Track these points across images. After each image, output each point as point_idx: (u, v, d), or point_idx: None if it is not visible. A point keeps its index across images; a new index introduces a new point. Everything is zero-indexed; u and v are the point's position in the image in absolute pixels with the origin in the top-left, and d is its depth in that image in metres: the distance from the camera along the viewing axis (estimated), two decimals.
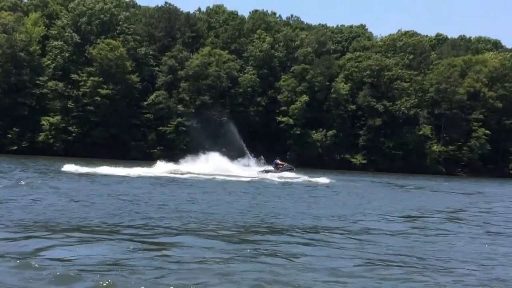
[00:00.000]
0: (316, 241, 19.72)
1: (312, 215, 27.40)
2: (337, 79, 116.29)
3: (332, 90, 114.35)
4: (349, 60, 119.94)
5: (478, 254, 19.11)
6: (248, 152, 75.73)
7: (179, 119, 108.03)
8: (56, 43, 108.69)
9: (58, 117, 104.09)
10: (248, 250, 17.14)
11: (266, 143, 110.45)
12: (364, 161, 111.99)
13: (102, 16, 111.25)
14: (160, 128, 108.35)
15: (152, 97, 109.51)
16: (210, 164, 63.36)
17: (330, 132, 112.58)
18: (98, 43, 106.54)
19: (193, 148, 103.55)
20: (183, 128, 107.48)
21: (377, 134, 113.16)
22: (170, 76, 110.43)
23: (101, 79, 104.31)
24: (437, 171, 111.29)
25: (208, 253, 16.37)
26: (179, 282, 13.03)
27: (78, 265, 14.33)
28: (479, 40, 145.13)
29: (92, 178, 44.01)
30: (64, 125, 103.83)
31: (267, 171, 63.74)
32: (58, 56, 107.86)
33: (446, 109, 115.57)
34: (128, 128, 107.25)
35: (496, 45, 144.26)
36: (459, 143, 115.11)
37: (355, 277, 14.56)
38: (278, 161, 67.93)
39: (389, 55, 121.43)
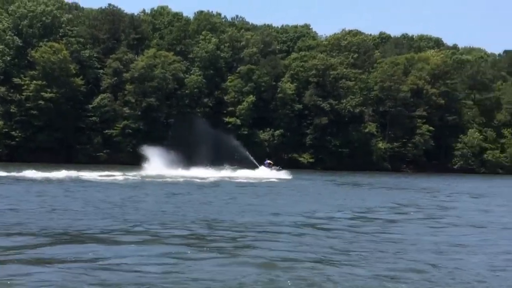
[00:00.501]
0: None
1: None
2: (283, 79, 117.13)
3: (278, 90, 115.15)
4: (295, 60, 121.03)
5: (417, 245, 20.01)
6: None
7: (125, 122, 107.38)
8: None
9: (0, 122, 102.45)
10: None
11: (213, 144, 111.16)
12: (311, 160, 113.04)
13: (44, 18, 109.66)
14: (106, 131, 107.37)
15: (97, 100, 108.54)
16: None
17: (277, 132, 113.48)
18: (41, 46, 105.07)
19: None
20: (130, 130, 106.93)
21: (324, 133, 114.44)
22: (115, 78, 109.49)
23: (44, 82, 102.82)
24: (383, 168, 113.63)
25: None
26: None
27: None
28: (421, 38, 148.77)
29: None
30: (7, 130, 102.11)
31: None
32: (0, 60, 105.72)
33: (391, 106, 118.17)
34: (73, 131, 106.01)
35: (437, 43, 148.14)
36: (404, 140, 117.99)
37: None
38: (270, 162, 77.42)
39: (334, 54, 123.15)
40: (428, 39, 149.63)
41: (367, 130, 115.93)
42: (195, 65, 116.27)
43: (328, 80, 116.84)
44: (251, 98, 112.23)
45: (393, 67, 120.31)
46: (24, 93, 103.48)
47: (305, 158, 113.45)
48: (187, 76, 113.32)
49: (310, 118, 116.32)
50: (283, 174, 71.95)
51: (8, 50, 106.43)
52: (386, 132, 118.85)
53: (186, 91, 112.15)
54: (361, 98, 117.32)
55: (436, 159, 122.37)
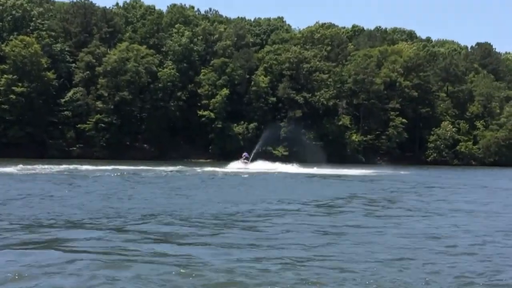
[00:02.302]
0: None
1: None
2: (256, 72, 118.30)
3: (252, 83, 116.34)
4: (268, 53, 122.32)
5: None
6: None
7: (98, 116, 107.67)
8: None
9: None
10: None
11: (187, 137, 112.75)
12: (286, 153, 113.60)
13: (14, 12, 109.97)
14: (79, 125, 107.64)
15: (69, 94, 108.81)
16: None
17: (252, 125, 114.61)
18: (11, 40, 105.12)
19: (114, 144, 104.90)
20: (103, 125, 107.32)
21: (298, 126, 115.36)
22: (88, 72, 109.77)
23: (15, 76, 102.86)
24: (357, 161, 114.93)
25: None
26: None
27: None
28: (394, 31, 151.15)
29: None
30: None
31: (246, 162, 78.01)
32: None
33: (364, 99, 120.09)
34: (46, 126, 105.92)
35: (411, 36, 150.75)
36: (378, 132, 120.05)
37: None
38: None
39: (307, 47, 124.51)
40: (402, 31, 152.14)
41: (341, 122, 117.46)
42: (169, 59, 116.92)
43: (302, 73, 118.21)
44: (225, 91, 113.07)
45: (366, 59, 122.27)
46: None
47: (279, 151, 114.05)
48: (160, 69, 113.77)
49: (284, 111, 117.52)
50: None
51: None
52: (360, 124, 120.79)
53: (160, 85, 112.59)
54: (335, 91, 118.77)
55: (410, 151, 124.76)
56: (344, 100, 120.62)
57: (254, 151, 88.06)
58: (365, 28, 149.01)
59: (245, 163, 78.71)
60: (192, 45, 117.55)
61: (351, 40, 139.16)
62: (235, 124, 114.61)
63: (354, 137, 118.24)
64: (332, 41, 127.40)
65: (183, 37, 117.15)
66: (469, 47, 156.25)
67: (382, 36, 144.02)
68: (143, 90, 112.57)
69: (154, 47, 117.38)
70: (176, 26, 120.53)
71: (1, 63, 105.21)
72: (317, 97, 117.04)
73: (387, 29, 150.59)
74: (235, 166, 74.82)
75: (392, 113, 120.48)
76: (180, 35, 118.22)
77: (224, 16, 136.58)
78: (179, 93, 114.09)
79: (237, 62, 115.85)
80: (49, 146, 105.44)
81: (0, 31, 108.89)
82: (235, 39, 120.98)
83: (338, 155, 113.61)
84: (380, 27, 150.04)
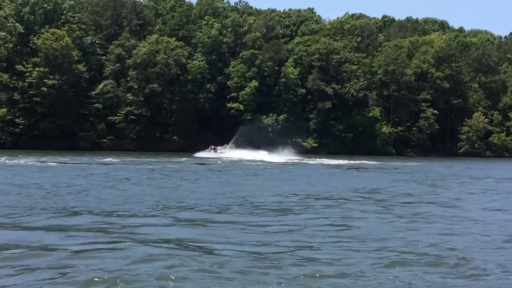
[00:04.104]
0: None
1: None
2: (286, 63, 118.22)
3: (281, 75, 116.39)
4: (298, 44, 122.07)
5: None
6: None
7: (128, 108, 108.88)
8: None
9: (4, 109, 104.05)
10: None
11: (216, 129, 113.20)
12: (315, 145, 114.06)
13: (45, 5, 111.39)
14: (110, 117, 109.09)
15: (100, 86, 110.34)
16: None
17: (281, 117, 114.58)
18: (43, 33, 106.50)
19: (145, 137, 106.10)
20: (133, 117, 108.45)
21: (327, 117, 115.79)
22: (118, 65, 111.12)
23: (47, 69, 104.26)
24: (387, 152, 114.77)
25: None
26: None
27: None
28: (426, 21, 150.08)
29: None
30: (10, 117, 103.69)
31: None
32: (2, 47, 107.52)
33: (395, 90, 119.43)
34: (76, 118, 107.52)
35: (442, 26, 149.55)
36: (408, 124, 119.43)
37: None
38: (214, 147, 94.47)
39: (337, 38, 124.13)
40: (433, 22, 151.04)
41: (371, 114, 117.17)
42: (198, 51, 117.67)
43: (331, 64, 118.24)
44: (254, 83, 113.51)
45: (397, 50, 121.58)
46: (27, 80, 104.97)
47: (309, 142, 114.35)
48: (189, 61, 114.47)
49: (314, 103, 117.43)
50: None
51: (10, 37, 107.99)
52: (390, 116, 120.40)
53: (189, 77, 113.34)
54: (365, 82, 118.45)
55: (442, 143, 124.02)
56: (374, 91, 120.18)
57: (230, 143, 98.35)
58: (396, 18, 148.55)
59: (215, 151, 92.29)
60: (221, 37, 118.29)
61: (382, 31, 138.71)
62: (264, 116, 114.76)
63: (384, 128, 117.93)
64: (362, 32, 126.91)
65: (212, 29, 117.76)
66: (502, 37, 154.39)
67: (413, 27, 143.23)
68: (172, 82, 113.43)
69: (184, 39, 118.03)
70: (206, 18, 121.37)
71: (33, 56, 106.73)
72: (347, 88, 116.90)
73: (418, 20, 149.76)
74: (204, 155, 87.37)
75: (423, 104, 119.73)
76: (209, 27, 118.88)
77: (253, 8, 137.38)
78: (208, 85, 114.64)
79: (266, 53, 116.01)
80: (80, 138, 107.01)
81: (31, 24, 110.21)
82: (265, 30, 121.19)
83: (367, 147, 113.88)
84: (411, 17, 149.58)
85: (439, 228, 20.70)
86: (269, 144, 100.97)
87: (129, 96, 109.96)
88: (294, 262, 14.55)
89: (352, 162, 77.35)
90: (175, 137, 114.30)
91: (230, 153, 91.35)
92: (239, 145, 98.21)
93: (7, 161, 58.59)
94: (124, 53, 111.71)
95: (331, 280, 13.03)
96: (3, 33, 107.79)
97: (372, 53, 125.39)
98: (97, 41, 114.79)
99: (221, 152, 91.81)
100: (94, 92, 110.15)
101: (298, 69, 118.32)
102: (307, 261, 14.78)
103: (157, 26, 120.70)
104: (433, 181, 46.45)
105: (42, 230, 18.59)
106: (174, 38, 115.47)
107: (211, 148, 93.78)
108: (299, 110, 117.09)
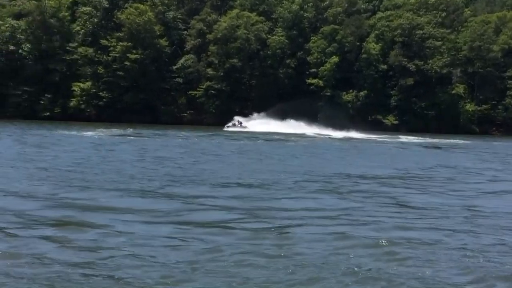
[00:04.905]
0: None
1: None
2: (367, 39, 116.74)
3: (362, 51, 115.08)
4: (380, 20, 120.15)
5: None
6: None
7: (208, 83, 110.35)
8: (85, 8, 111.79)
9: (89, 83, 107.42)
10: None
11: (296, 106, 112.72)
12: (396, 122, 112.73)
13: None
14: (190, 92, 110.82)
15: (181, 61, 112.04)
16: None
17: (361, 93, 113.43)
18: (127, 8, 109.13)
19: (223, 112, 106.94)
20: (213, 91, 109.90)
21: (409, 94, 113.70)
22: (199, 39, 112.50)
23: (130, 44, 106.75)
24: (471, 131, 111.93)
25: None
26: None
27: None
28: None
29: None
30: (95, 90, 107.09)
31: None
32: (87, 22, 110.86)
33: (480, 67, 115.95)
34: (158, 92, 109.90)
35: None
36: (494, 102, 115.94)
37: None
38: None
39: (421, 13, 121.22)
40: None
41: (454, 91, 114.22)
42: (278, 26, 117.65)
43: (414, 40, 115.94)
44: (335, 59, 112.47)
45: (483, 26, 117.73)
46: (111, 55, 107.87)
47: (389, 120, 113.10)
48: (269, 36, 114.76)
49: (395, 79, 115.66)
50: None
51: (95, 12, 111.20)
52: (475, 94, 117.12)
53: (269, 52, 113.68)
54: (449, 58, 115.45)
55: None
56: (458, 68, 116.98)
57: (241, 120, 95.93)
58: None
59: (240, 125, 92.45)
60: (302, 11, 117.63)
61: (468, 6, 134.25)
62: (344, 92, 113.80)
63: (468, 106, 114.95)
64: (447, 7, 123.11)
65: (293, 4, 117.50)
66: None
67: (502, 1, 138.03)
68: (252, 58, 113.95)
69: (264, 14, 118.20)
70: None
71: (117, 31, 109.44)
72: (430, 65, 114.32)
73: None
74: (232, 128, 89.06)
75: (509, 82, 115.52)
76: (290, 1, 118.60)
77: None
78: (288, 61, 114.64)
79: (347, 29, 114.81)
80: (161, 112, 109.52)
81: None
82: (346, 5, 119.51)
83: (450, 125, 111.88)
84: None
85: None
86: (349, 121, 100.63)
87: (209, 71, 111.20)
88: None
89: (435, 140, 75.83)
90: (254, 112, 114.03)
91: (257, 126, 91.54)
92: (279, 117, 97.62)
93: (113, 134, 61.52)
94: (205, 28, 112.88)
95: None
96: (88, 8, 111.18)
97: (457, 29, 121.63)
98: (178, 16, 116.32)
99: (245, 127, 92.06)
100: (175, 67, 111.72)
101: (380, 44, 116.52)
102: None
103: (238, 1, 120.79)
104: None
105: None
106: (254, 13, 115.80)
107: (238, 122, 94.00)
108: (380, 86, 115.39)
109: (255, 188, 23.09)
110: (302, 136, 75.77)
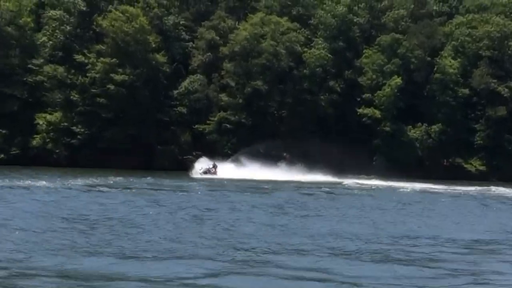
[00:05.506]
0: None
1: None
2: (442, 52, 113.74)
3: (435, 69, 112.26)
4: (459, 26, 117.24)
5: None
6: None
7: (222, 114, 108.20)
8: (54, 12, 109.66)
9: (58, 114, 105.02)
10: None
11: (342, 144, 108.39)
12: (482, 167, 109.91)
13: None
14: (197, 126, 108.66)
15: (185, 83, 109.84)
16: None
17: (434, 127, 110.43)
18: (110, 11, 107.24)
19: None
20: (228, 125, 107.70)
21: (500, 129, 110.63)
22: (209, 54, 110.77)
23: (115, 60, 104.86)
24: None
25: None
26: None
27: None
28: None
29: None
30: (66, 124, 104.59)
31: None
32: (57, 31, 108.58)
33: None
34: (153, 126, 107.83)
35: None
36: None
37: None
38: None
39: None
40: None
41: None
42: (318, 35, 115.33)
43: (507, 55, 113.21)
44: (396, 80, 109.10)
45: None
46: (89, 75, 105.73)
47: (473, 164, 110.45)
48: (306, 49, 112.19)
49: (481, 109, 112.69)
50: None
51: (68, 17, 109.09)
52: None
53: (305, 71, 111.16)
54: None
55: None
56: None
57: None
58: None
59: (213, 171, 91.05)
60: (351, 15, 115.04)
61: None
62: (410, 127, 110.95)
63: None
64: None
65: (339, 5, 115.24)
66: None
67: None
68: (283, 79, 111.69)
69: (299, 18, 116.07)
70: None
71: (97, 43, 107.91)
72: None
73: None
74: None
75: None
76: (334, 2, 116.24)
77: None
78: (332, 83, 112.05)
79: (414, 39, 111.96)
80: (157, 153, 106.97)
81: (96, 0, 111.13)
82: (412, 6, 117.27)
83: None
84: None
85: None
86: (417, 164, 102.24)
87: (224, 97, 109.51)
88: None
89: None
90: (284, 153, 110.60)
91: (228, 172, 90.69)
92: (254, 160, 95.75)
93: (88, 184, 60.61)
94: (217, 38, 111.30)
95: None
96: (58, 12, 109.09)
97: None
98: (181, 22, 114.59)
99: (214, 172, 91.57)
100: (177, 91, 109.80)
101: (459, 60, 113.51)
102: None
103: (263, 2, 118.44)
104: None
105: None
106: (285, 18, 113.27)
107: (212, 167, 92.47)
108: (460, 118, 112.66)
109: None
110: (340, 186, 75.95)
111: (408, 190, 72.31)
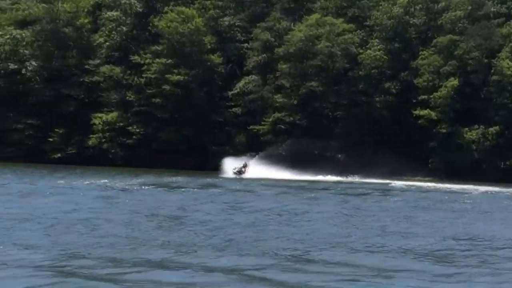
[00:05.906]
0: None
1: None
2: (500, 54, 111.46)
3: (493, 70, 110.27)
4: None
5: None
6: None
7: (277, 114, 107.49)
8: (111, 14, 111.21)
9: (114, 114, 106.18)
10: None
11: (398, 146, 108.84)
12: None
13: None
14: (252, 126, 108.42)
15: (240, 84, 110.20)
16: None
17: (492, 130, 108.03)
18: (166, 13, 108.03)
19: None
20: (283, 126, 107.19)
21: None
22: (264, 55, 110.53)
23: (170, 61, 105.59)
24: None
25: None
26: None
27: None
28: None
29: None
30: (122, 124, 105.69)
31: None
32: (114, 32, 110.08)
33: None
34: (208, 127, 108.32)
35: None
36: None
37: None
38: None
39: None
40: None
41: None
42: (374, 36, 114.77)
43: None
44: (453, 81, 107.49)
45: None
46: (145, 75, 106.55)
47: None
48: (362, 51, 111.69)
49: None
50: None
51: (125, 18, 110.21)
52: None
53: (361, 73, 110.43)
54: None
55: None
56: None
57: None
58: None
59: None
60: (407, 17, 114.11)
61: None
62: (467, 129, 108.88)
63: None
64: None
65: (395, 6, 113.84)
66: None
67: None
68: (338, 80, 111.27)
69: (355, 20, 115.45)
70: None
71: (153, 44, 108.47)
72: None
73: None
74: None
75: None
76: (390, 3, 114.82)
77: None
78: (387, 84, 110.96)
79: (471, 40, 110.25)
80: (212, 154, 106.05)
81: (153, 1, 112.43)
82: (470, 7, 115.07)
83: None
84: None
85: None
86: (474, 167, 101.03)
87: (279, 98, 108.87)
88: None
89: None
90: (339, 155, 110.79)
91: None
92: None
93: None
94: (272, 39, 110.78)
95: None
96: (115, 13, 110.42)
97: None
98: (237, 23, 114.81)
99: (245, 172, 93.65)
100: (232, 92, 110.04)
101: None
102: None
103: (319, 3, 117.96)
104: None
105: None
106: (341, 19, 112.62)
107: (243, 166, 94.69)
108: None
109: None
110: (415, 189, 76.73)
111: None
